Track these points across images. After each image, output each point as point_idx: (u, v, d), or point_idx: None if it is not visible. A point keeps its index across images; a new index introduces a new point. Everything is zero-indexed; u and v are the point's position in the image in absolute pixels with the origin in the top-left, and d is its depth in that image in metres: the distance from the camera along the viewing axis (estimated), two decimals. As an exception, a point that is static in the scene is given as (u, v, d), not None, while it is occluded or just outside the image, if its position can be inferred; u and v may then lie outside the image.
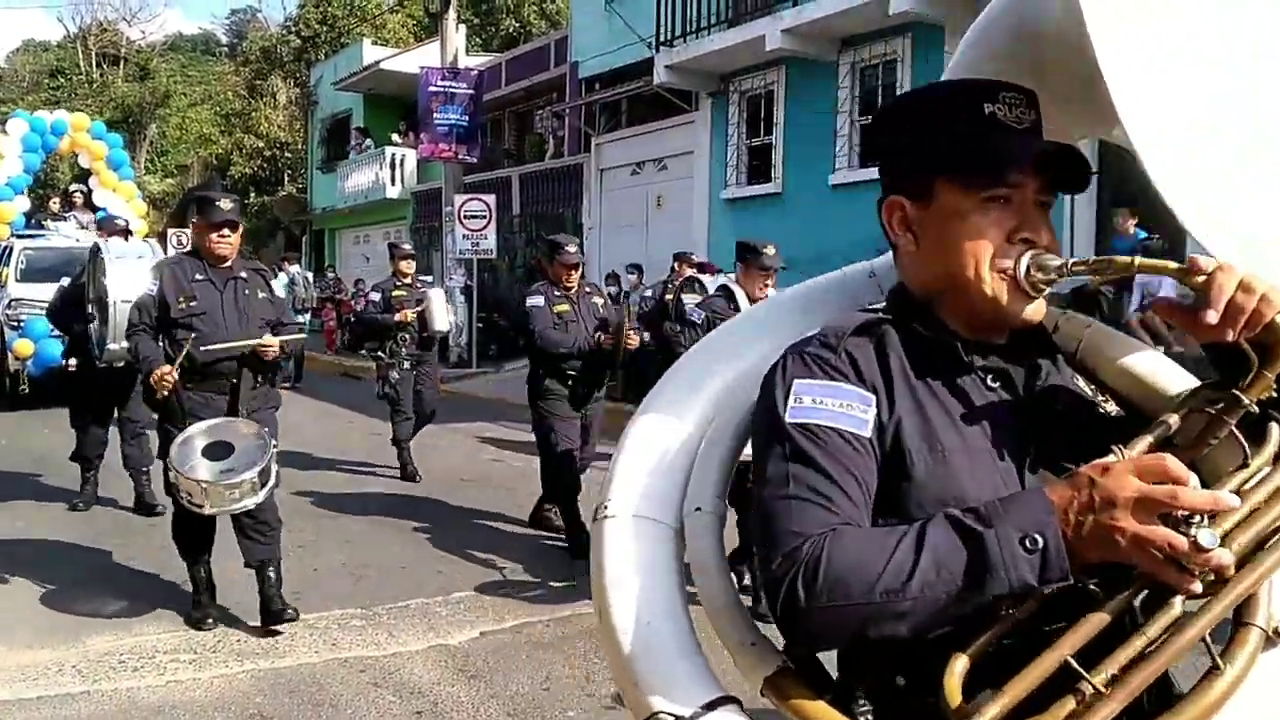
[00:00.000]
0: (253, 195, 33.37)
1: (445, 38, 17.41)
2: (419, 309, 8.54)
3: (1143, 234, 9.68)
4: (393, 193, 25.65)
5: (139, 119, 40.93)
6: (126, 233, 7.77)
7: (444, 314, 8.86)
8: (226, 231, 4.98)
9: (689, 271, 9.71)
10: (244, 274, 5.08)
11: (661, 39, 15.33)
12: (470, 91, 17.30)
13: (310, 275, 19.42)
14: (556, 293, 6.63)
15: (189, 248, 5.56)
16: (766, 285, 5.69)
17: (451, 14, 17.29)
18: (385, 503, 7.69)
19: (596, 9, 18.02)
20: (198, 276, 4.93)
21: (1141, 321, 9.18)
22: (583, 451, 6.55)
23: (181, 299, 4.84)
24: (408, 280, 8.80)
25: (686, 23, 15.07)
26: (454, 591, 5.54)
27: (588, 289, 6.97)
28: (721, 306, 5.45)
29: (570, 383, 6.44)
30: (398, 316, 8.43)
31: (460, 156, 17.37)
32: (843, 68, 13.77)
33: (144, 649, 4.66)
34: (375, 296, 8.86)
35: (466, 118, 17.24)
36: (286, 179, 35.87)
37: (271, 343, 4.92)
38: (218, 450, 4.52)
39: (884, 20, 12.25)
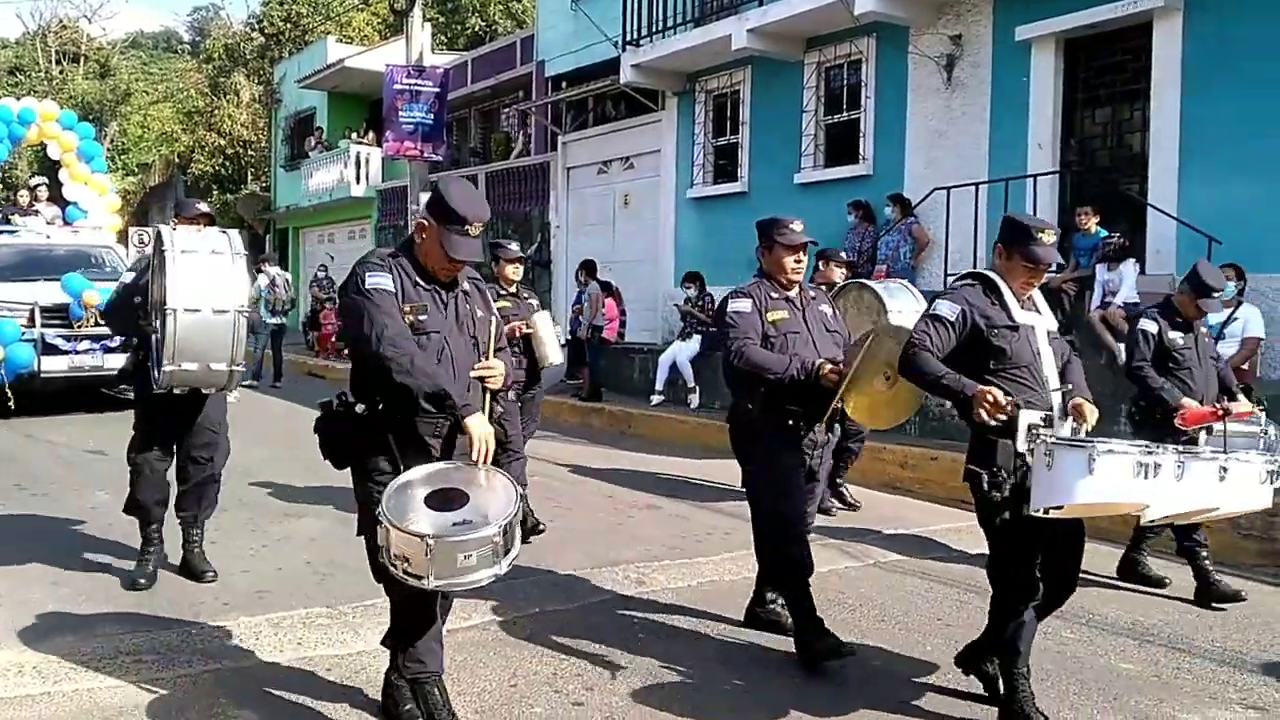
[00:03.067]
0: (215, 194, 33.05)
1: (410, 35, 17.30)
2: (528, 330, 6.69)
3: (1103, 233, 9.79)
4: (357, 191, 25.50)
5: (99, 117, 40.35)
6: (209, 219, 5.70)
7: (555, 343, 6.87)
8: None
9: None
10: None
11: (628, 38, 15.33)
12: (436, 90, 17.21)
13: (289, 277, 19.24)
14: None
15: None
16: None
17: (417, 12, 17.18)
18: (350, 502, 7.63)
19: (563, 8, 17.99)
20: None
21: (1102, 319, 9.29)
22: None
23: None
24: (513, 290, 6.93)
25: (653, 22, 15.08)
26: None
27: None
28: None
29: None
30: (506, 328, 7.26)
31: (426, 155, 17.28)
32: (808, 67, 13.83)
33: (106, 650, 4.60)
34: (540, 317, 7.14)
35: (432, 116, 17.14)
36: (250, 177, 35.55)
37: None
38: (445, 501, 3.41)
39: (849, 20, 12.31)
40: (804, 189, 13.81)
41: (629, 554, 6.54)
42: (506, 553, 3.31)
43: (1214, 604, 5.81)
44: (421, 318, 3.60)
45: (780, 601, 5.03)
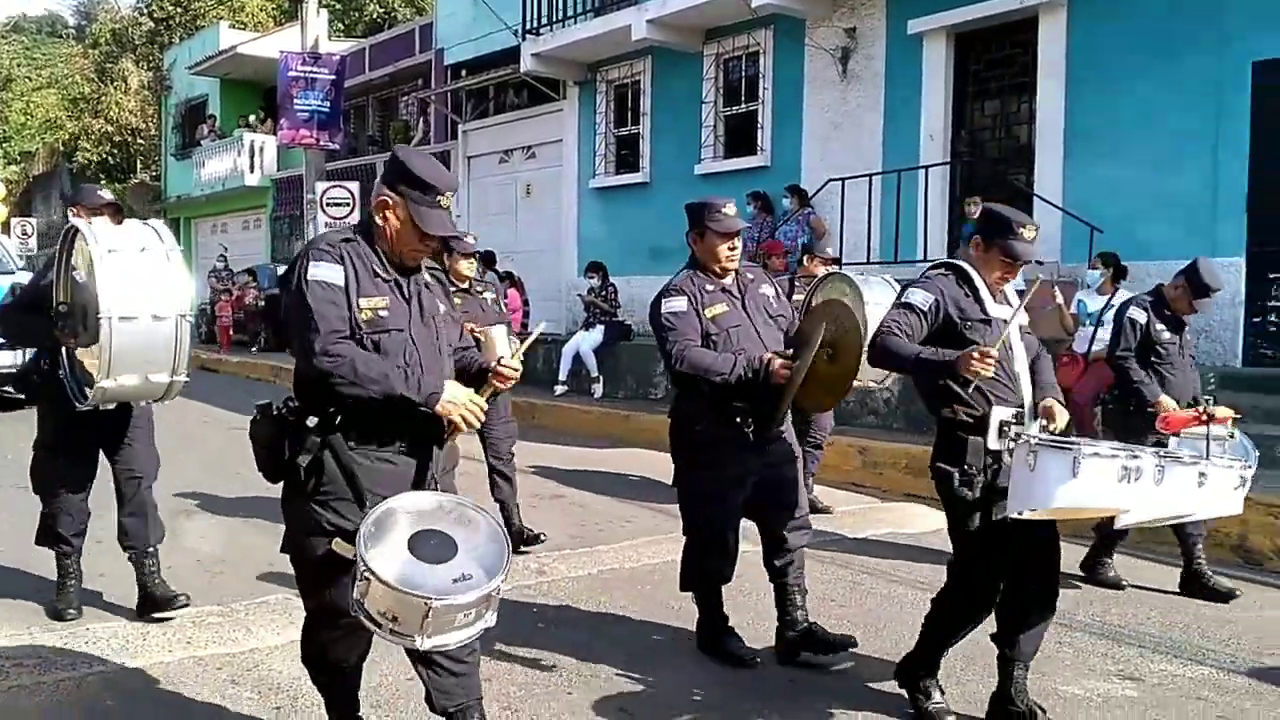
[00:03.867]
0: (103, 182, 31.98)
1: (306, 21, 16.95)
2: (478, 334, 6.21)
3: (993, 222, 10.04)
4: (252, 180, 24.95)
5: (-22, 103, 38.82)
6: (116, 209, 5.12)
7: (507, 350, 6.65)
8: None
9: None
10: None
11: (528, 27, 15.25)
12: (332, 77, 16.91)
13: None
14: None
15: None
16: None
17: (312, -3, 16.85)
18: (244, 499, 7.48)
19: (462, -5, 17.83)
20: None
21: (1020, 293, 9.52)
22: None
23: None
24: (465, 286, 6.35)
25: (553, 11, 15.03)
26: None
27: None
28: None
29: None
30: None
31: (322, 143, 16.98)
32: (707, 58, 13.93)
33: (-17, 655, 4.44)
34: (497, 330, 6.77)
35: (328, 104, 16.84)
36: (139, 166, 34.48)
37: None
38: (430, 547, 2.90)
39: (747, 12, 12.43)
40: (705, 180, 13.91)
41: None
42: (496, 600, 2.93)
43: (1205, 598, 5.69)
44: (382, 313, 3.04)
45: (813, 621, 4.65)
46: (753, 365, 4.26)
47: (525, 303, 14.77)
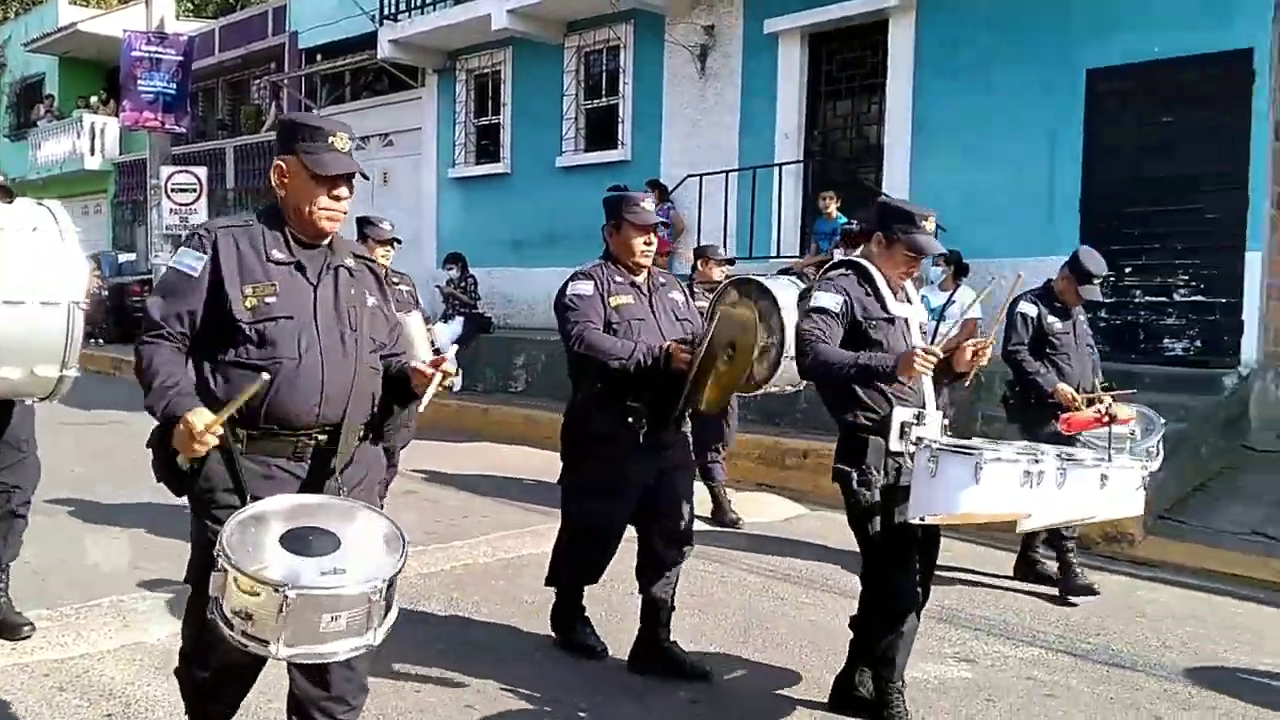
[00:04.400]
0: (-72, 163, 30.06)
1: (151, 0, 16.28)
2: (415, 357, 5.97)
3: (843, 219, 10.32)
4: (92, 163, 23.85)
5: None
6: (6, 190, 4.57)
7: (426, 347, 5.85)
8: None
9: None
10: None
11: (385, 13, 14.96)
12: (179, 58, 16.26)
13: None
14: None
15: None
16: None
17: (157, -26, 16.17)
18: (77, 501, 7.16)
19: (317, -23, 17.38)
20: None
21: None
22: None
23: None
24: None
25: (412, -3, 14.79)
26: (154, 588, 5.23)
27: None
28: None
29: None
30: None
31: (167, 126, 16.31)
32: (568, 51, 13.91)
33: None
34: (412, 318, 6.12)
35: (174, 85, 16.18)
36: (-31, 146, 32.51)
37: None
38: (308, 543, 2.51)
39: (607, 6, 12.46)
40: (566, 172, 13.91)
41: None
42: (384, 615, 2.48)
43: (1069, 597, 5.68)
44: (269, 299, 2.73)
45: (674, 641, 4.46)
46: (652, 352, 4.16)
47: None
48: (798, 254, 11.01)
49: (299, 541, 2.48)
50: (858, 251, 4.03)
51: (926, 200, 9.91)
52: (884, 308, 3.78)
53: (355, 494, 2.84)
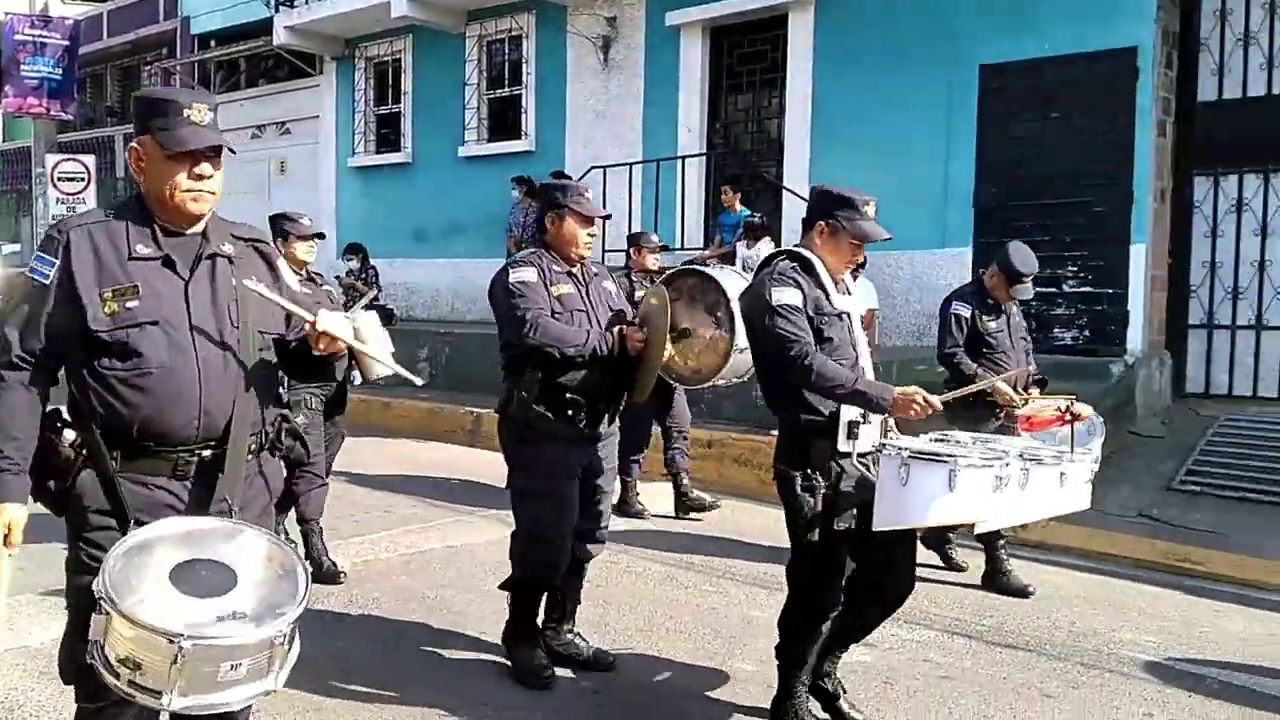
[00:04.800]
0: None
1: (33, -20, 15.69)
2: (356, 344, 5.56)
3: (745, 211, 10.42)
4: (-28, 151, 22.88)
5: None
6: None
7: (385, 351, 6.01)
8: None
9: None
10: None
11: (281, -2, 14.64)
12: (65, 43, 15.72)
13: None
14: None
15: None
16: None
17: (39, -46, 15.59)
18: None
19: (210, -39, 16.91)
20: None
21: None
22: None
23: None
24: (305, 275, 5.52)
25: (309, -18, 14.48)
26: (39, 590, 5.04)
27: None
28: None
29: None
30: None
31: (53, 113, 15.75)
32: (470, 40, 13.78)
33: None
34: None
35: (60, 71, 15.64)
36: None
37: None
38: (199, 578, 2.27)
39: (509, -5, 12.39)
40: (468, 162, 13.79)
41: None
42: (287, 654, 2.29)
43: (1004, 593, 5.65)
44: (130, 304, 2.42)
45: (578, 632, 4.49)
46: (606, 339, 4.07)
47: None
48: (702, 246, 11.08)
49: (191, 578, 2.24)
50: (796, 242, 3.82)
51: (827, 193, 10.17)
52: (830, 301, 3.60)
53: (251, 515, 2.56)
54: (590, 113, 12.56)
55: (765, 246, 9.94)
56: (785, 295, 3.52)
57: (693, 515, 7.16)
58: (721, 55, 11.64)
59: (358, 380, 5.36)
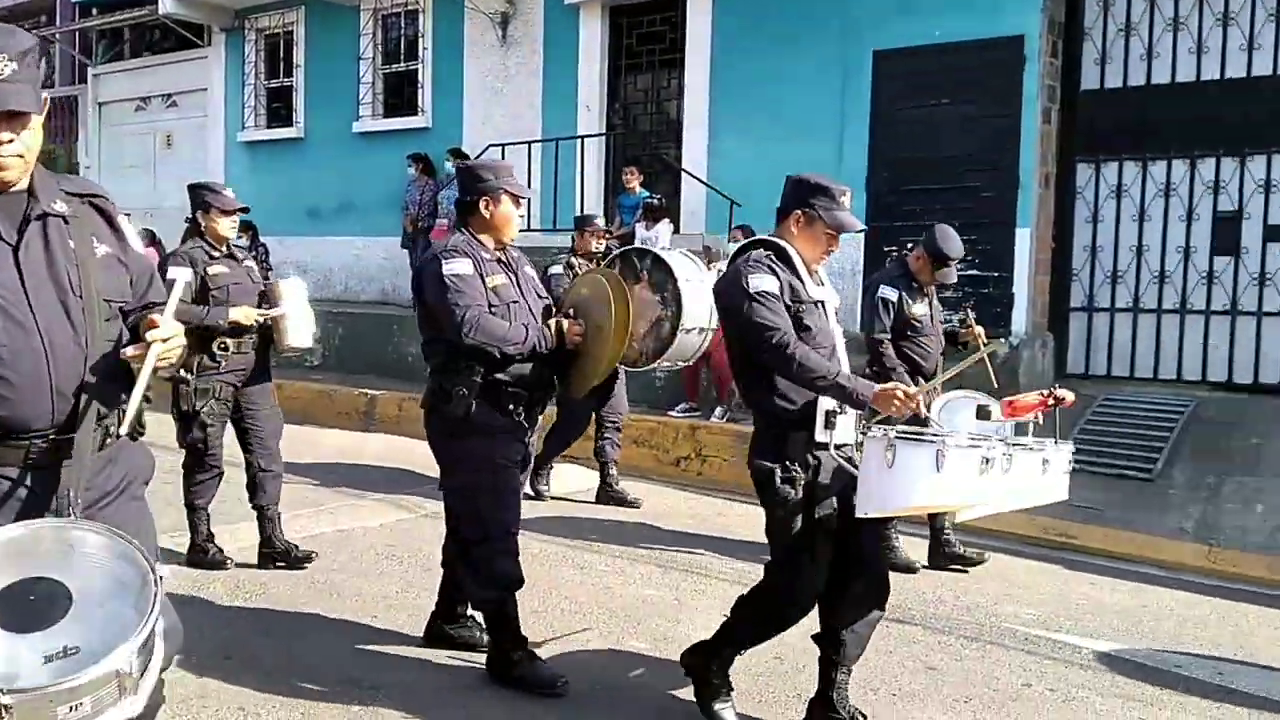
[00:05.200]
0: None
1: (-105, -62, 14.89)
2: (271, 312, 5.28)
3: (644, 193, 10.43)
4: None
5: None
6: None
7: (307, 321, 5.48)
8: None
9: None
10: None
11: (167, -35, 14.14)
12: (-68, 5, 14.98)
13: None
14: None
15: None
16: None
17: (-97, -89, 14.80)
18: None
19: (90, -75, 16.25)
20: None
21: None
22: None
23: None
24: (226, 250, 5.36)
25: (194, -50, 14.02)
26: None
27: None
28: None
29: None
30: (234, 315, 5.13)
31: (-79, 79, 14.99)
32: (365, 14, 13.49)
33: None
34: (186, 275, 4.97)
35: (-74, 35, 14.88)
36: None
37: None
38: (29, 607, 1.95)
39: (404, -32, 12.16)
40: (363, 138, 13.55)
41: (163, 522, 6.10)
42: (145, 670, 2.01)
43: (949, 567, 5.79)
44: None
45: (471, 616, 4.35)
46: (544, 334, 3.92)
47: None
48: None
49: (16, 607, 1.92)
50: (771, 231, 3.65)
51: (721, 176, 10.25)
52: (807, 291, 3.53)
53: (111, 506, 2.31)
54: (488, 90, 12.42)
55: (664, 228, 9.98)
56: (763, 282, 3.44)
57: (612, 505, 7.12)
58: (621, 35, 11.60)
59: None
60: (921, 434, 3.20)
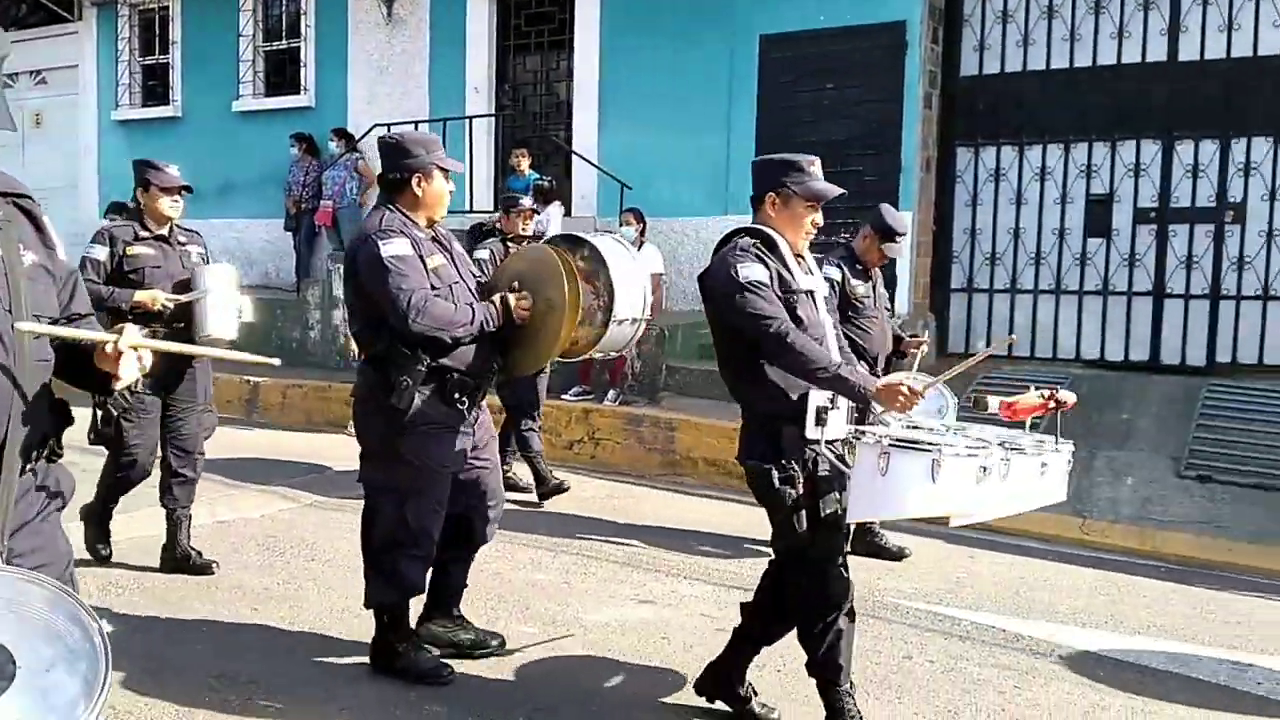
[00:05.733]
0: None
1: None
2: (183, 297, 5.01)
3: (535, 175, 10.34)
4: None
5: None
6: None
7: (232, 309, 5.20)
8: None
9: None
10: None
11: (32, -65, 13.52)
12: None
13: None
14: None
15: None
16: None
17: None
18: None
19: (-53, -110, 15.43)
20: None
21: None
22: None
23: None
24: (164, 232, 5.12)
25: (62, -81, 13.43)
26: None
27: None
28: None
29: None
30: (139, 296, 4.90)
31: None
32: (245, -11, 13.11)
33: None
34: (98, 254, 5.02)
35: None
36: None
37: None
38: None
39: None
40: (244, 117, 13.18)
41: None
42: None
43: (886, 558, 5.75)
44: None
45: (462, 614, 4.21)
46: (491, 314, 3.76)
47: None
48: (491, 209, 10.93)
49: None
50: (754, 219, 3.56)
51: (613, 159, 10.23)
52: (795, 278, 3.42)
53: (30, 544, 2.06)
54: (374, 69, 12.17)
55: (555, 211, 9.91)
56: (753, 272, 3.32)
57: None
58: (509, 15, 11.48)
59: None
60: (919, 442, 3.06)
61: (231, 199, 13.12)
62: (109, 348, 1.95)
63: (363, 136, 11.63)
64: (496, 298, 3.82)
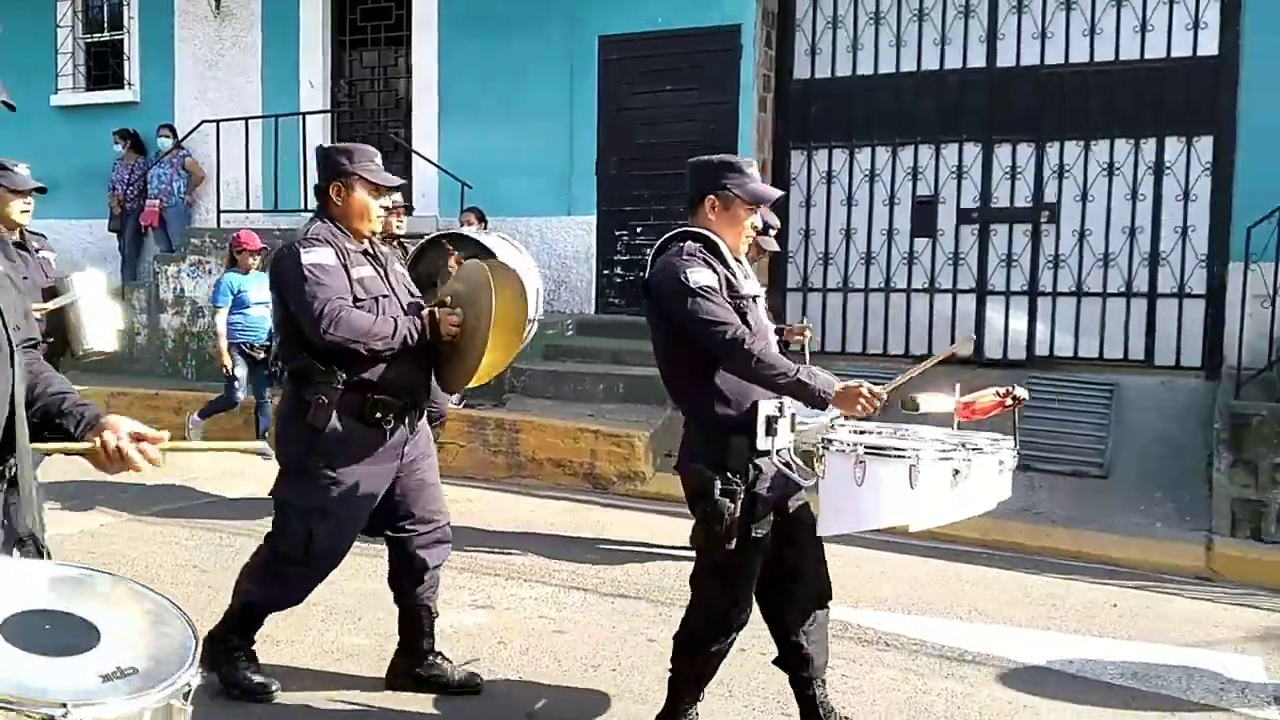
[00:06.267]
0: None
1: None
2: (50, 304, 4.64)
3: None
4: None
5: None
6: None
7: (108, 319, 4.92)
8: None
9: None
10: None
11: None
12: None
13: None
14: None
15: None
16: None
17: None
18: None
19: None
20: None
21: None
22: None
23: None
24: (17, 238, 4.79)
25: None
26: None
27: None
28: None
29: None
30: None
31: None
32: (61, -24, 12.49)
33: None
34: None
35: None
36: None
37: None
38: (43, 634, 1.66)
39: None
40: (64, 113, 12.56)
41: None
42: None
43: None
44: None
45: (440, 655, 4.02)
46: (416, 327, 3.61)
47: None
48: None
49: (34, 634, 1.65)
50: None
51: (455, 159, 10.13)
52: (739, 283, 3.35)
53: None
54: (202, 63, 11.75)
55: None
56: (702, 276, 3.22)
57: None
58: (345, 9, 11.23)
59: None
60: (896, 449, 3.01)
61: (51, 199, 12.34)
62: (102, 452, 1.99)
63: (188, 134, 11.23)
64: (425, 312, 3.69)
